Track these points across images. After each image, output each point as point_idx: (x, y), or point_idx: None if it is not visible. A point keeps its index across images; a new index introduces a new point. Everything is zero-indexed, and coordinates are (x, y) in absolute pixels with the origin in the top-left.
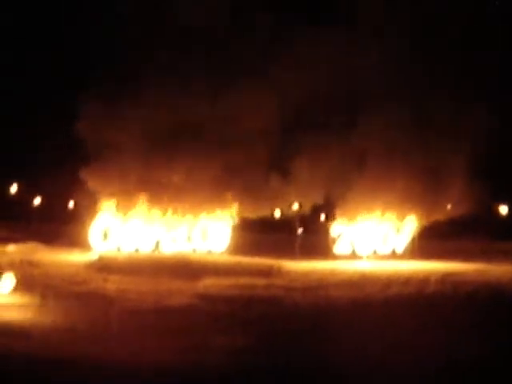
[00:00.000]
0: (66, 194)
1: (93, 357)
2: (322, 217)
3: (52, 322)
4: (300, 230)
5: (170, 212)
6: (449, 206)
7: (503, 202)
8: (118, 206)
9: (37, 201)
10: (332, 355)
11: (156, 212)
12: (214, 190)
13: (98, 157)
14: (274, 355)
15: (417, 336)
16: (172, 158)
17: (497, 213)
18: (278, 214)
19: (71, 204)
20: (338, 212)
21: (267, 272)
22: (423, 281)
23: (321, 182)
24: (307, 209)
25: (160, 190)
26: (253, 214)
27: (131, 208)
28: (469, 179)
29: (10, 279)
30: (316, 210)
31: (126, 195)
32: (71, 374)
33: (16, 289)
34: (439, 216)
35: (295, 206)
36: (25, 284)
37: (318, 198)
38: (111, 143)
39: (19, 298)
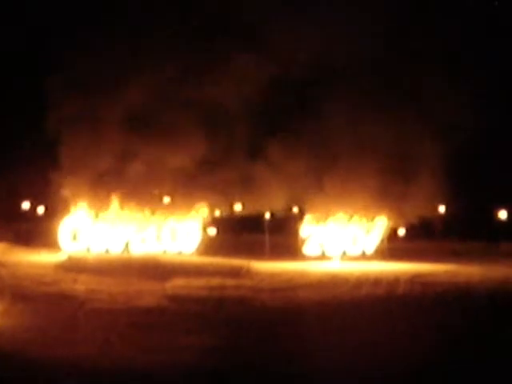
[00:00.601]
0: (34, 194)
1: (62, 357)
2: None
3: (21, 323)
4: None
5: (140, 212)
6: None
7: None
8: (88, 205)
9: (25, 205)
10: (298, 356)
11: (126, 212)
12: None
13: (69, 153)
14: (241, 355)
15: (384, 337)
16: (150, 148)
17: (470, 212)
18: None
19: (41, 208)
20: (307, 212)
21: (236, 273)
22: (392, 282)
23: (289, 181)
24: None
25: (135, 186)
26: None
27: (103, 207)
28: (443, 178)
29: None
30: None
31: (97, 194)
32: (39, 374)
33: None
34: (410, 218)
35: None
36: None
37: (286, 198)
38: (84, 135)
39: None
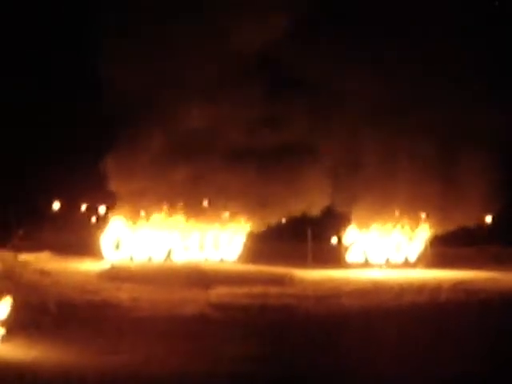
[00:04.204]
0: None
1: (104, 365)
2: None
3: (66, 331)
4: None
5: (183, 220)
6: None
7: None
8: (131, 214)
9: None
10: (343, 365)
11: (169, 220)
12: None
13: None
14: (286, 364)
15: (429, 346)
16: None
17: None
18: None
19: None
20: (352, 219)
21: (279, 281)
22: (436, 289)
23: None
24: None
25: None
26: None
27: (145, 216)
28: (487, 182)
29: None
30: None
31: (140, 203)
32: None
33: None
34: (452, 226)
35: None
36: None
37: (323, 201)
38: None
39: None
